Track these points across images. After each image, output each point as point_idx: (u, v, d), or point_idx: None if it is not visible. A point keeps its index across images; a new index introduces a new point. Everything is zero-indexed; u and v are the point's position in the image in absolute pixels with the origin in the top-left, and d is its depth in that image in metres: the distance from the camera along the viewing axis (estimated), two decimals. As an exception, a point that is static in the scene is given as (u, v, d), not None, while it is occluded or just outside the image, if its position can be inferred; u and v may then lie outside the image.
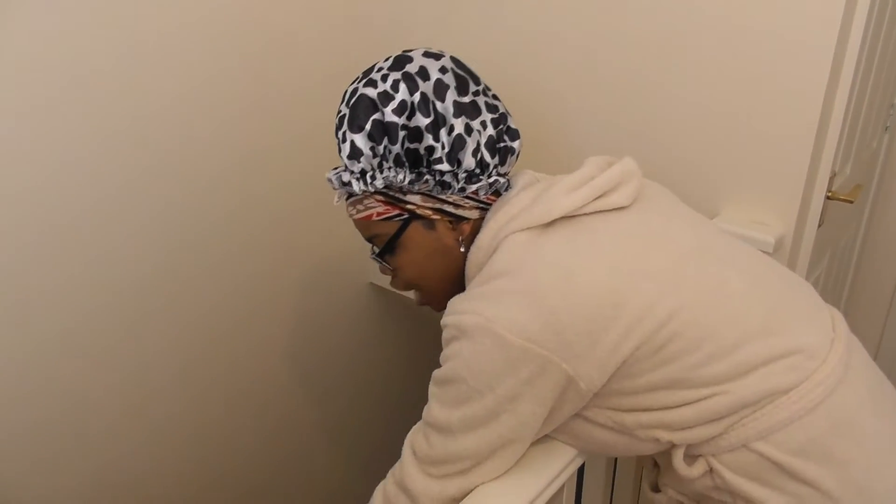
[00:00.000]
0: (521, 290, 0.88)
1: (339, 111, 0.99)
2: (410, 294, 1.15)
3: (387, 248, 1.03)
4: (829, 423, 0.88)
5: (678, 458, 0.93)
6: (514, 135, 1.01)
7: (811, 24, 1.26)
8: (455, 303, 0.95)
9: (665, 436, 0.91)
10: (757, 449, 0.88)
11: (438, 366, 0.95)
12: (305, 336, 2.11)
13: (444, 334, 0.94)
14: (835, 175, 1.51)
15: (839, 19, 1.24)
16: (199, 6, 1.50)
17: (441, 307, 1.05)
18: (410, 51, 0.99)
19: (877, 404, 0.93)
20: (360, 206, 1.02)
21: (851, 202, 1.55)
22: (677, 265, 0.92)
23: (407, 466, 0.97)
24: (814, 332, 0.93)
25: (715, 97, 1.40)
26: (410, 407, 2.53)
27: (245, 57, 1.63)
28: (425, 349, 2.62)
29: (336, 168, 1.04)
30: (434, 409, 0.95)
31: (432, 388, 0.97)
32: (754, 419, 0.87)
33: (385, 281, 2.28)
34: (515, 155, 1.02)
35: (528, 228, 0.93)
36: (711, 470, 0.91)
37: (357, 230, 1.09)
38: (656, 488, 1.08)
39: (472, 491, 0.96)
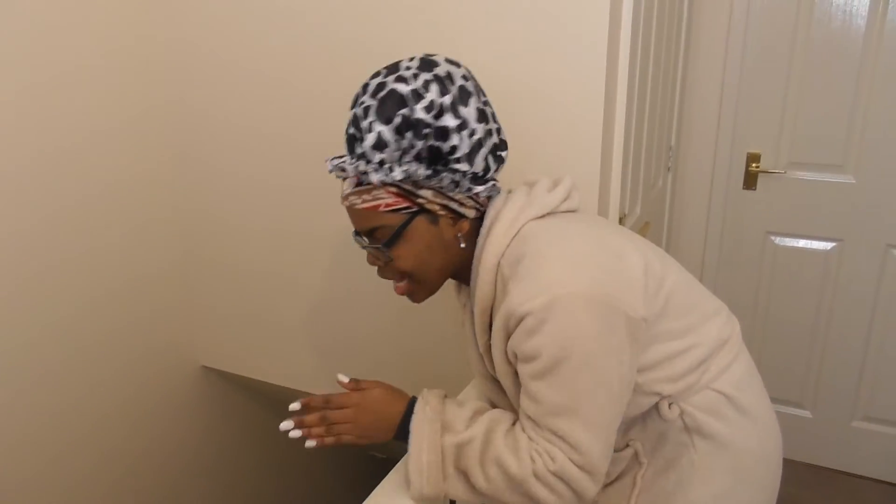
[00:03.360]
0: (571, 255, 1.02)
1: (362, 102, 1.03)
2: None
3: (392, 239, 1.07)
4: (745, 366, 1.19)
5: (664, 407, 1.12)
6: (505, 146, 1.13)
7: (579, 82, 1.40)
8: (521, 291, 0.99)
9: (666, 388, 1.10)
10: (715, 387, 1.13)
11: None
12: (132, 425, 1.99)
13: (526, 325, 0.98)
14: (625, 216, 1.66)
15: (603, 77, 1.38)
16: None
17: (425, 297, 1.15)
18: (433, 55, 1.06)
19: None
20: (367, 196, 1.05)
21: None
22: (646, 244, 1.16)
23: (572, 482, 0.98)
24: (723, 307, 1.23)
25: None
26: (243, 492, 2.45)
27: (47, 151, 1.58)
28: (261, 432, 2.55)
29: (340, 156, 1.08)
30: (549, 398, 0.99)
31: (535, 386, 1.00)
32: (714, 364, 1.13)
33: (221, 363, 2.22)
34: (504, 163, 1.13)
35: (533, 219, 1.09)
36: (682, 412, 1.12)
37: (352, 221, 1.11)
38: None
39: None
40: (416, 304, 1.21)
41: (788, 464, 1.27)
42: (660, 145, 2.10)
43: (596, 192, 1.46)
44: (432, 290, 1.15)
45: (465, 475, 1.04)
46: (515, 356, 1.03)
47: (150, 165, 1.89)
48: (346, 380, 1.15)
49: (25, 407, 1.67)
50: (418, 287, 1.13)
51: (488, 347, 1.14)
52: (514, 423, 1.06)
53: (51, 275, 1.68)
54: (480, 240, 1.10)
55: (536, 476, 0.98)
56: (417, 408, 1.09)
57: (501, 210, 1.09)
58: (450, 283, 1.21)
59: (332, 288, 1.91)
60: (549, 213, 1.11)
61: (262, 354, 2.11)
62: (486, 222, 1.09)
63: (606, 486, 1.22)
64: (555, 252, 1.02)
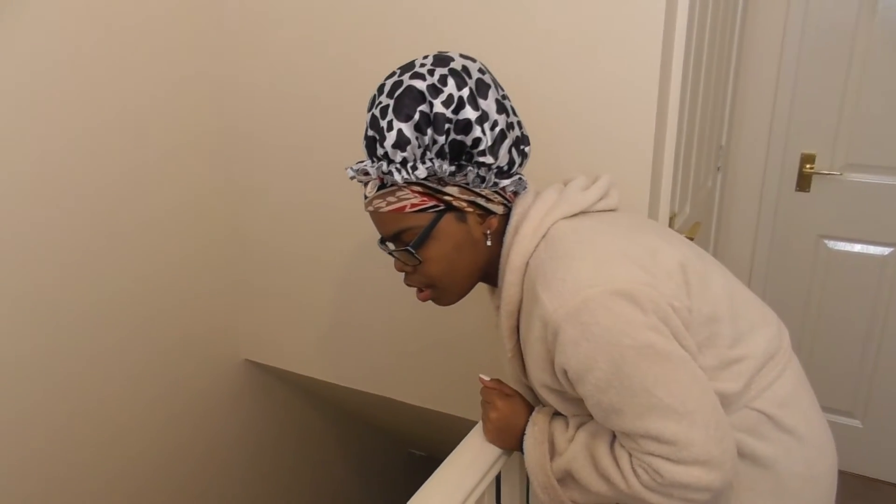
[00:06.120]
0: (601, 253, 0.98)
1: (379, 102, 1.00)
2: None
3: (420, 240, 1.02)
4: (794, 381, 1.09)
5: None
6: (527, 140, 1.09)
7: (632, 81, 1.37)
8: (552, 295, 0.95)
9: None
10: (755, 406, 1.04)
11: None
12: (177, 417, 2.01)
13: (567, 336, 0.94)
14: (675, 215, 1.63)
15: (657, 75, 1.35)
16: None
17: (451, 302, 1.11)
18: (446, 52, 1.03)
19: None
20: (391, 198, 1.02)
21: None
22: (685, 243, 1.10)
23: (673, 476, 0.92)
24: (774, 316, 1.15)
25: (552, 154, 1.48)
26: (280, 486, 2.46)
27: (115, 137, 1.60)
28: (304, 425, 2.56)
29: (360, 161, 1.05)
30: (627, 404, 0.93)
31: (607, 397, 0.94)
32: (756, 382, 1.05)
33: (263, 356, 2.23)
34: (527, 159, 1.10)
35: (564, 218, 1.04)
36: None
37: (377, 226, 1.08)
38: None
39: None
40: (471, 303, 1.19)
41: (839, 475, 1.21)
42: (710, 144, 2.05)
43: (647, 190, 1.43)
44: (460, 294, 1.11)
45: (582, 488, 1.05)
46: (565, 373, 0.98)
47: (198, 146, 1.89)
48: (487, 379, 1.21)
49: (59, 398, 1.68)
50: (445, 292, 1.10)
51: (517, 352, 1.11)
52: (613, 436, 1.02)
53: (90, 264, 1.68)
54: (507, 238, 1.06)
55: (649, 489, 0.95)
56: (528, 430, 1.12)
57: (530, 208, 1.05)
58: (483, 285, 1.18)
59: (384, 282, 1.89)
60: (581, 213, 1.07)
61: (307, 349, 2.11)
62: (513, 221, 1.06)
63: None
64: (583, 251, 0.98)
